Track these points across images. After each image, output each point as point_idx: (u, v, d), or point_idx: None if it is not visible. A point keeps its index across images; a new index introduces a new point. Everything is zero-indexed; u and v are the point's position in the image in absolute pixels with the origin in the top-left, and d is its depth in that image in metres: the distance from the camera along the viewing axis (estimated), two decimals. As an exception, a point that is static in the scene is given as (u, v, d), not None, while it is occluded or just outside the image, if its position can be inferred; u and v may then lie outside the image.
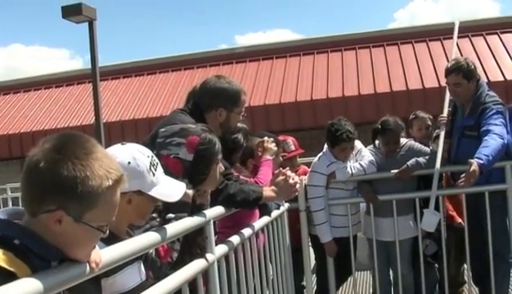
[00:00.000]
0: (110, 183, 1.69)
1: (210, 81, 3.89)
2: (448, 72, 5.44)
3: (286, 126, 15.42)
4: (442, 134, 5.51)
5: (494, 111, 5.20)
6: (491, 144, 4.92)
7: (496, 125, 5.09)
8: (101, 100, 15.39)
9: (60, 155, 1.61)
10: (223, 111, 3.81)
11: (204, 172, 2.99)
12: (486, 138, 4.99)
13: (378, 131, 5.58)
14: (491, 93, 5.43)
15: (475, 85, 5.40)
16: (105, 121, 16.14)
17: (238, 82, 4.07)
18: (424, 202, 5.41)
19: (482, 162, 4.76)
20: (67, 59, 71.99)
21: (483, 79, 5.55)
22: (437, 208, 5.37)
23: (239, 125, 4.43)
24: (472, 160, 4.75)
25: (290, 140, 5.86)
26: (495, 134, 5.00)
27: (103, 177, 1.67)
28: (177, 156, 2.91)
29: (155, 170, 2.41)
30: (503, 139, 5.01)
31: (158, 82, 19.80)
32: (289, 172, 3.84)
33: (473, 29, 16.82)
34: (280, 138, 5.80)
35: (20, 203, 1.74)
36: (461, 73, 5.33)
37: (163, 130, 3.09)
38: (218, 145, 3.07)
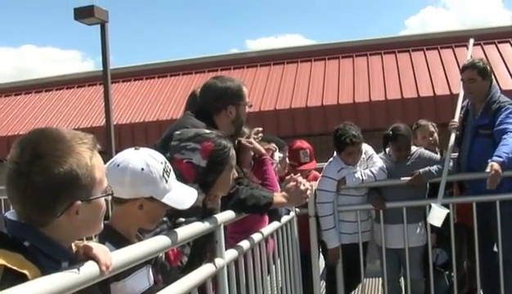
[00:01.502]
0: (94, 150, 1.74)
1: (211, 84, 3.92)
2: (464, 68, 5.55)
3: (296, 131, 15.37)
4: (453, 137, 5.53)
5: (510, 110, 5.24)
6: (509, 142, 4.94)
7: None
8: (112, 102, 15.42)
9: (45, 159, 1.61)
10: (232, 108, 3.84)
11: (216, 178, 2.99)
12: (504, 136, 5.01)
13: (389, 137, 5.57)
14: (503, 96, 5.49)
15: (489, 85, 5.45)
16: (115, 123, 16.16)
17: (249, 86, 4.09)
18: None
19: (502, 159, 4.78)
20: (79, 61, 72.29)
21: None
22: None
23: (245, 130, 4.44)
24: (491, 162, 4.75)
25: (308, 151, 5.84)
26: None
27: (86, 150, 1.70)
28: (190, 161, 2.91)
29: (168, 176, 2.41)
30: None
31: (169, 85, 19.80)
32: (300, 178, 3.83)
33: (485, 37, 16.73)
34: (298, 144, 5.79)
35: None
36: (476, 69, 5.42)
37: (178, 132, 3.08)
38: (232, 151, 3.08)
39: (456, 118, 5.67)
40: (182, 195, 2.47)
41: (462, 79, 5.59)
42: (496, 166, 4.71)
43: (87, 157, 1.69)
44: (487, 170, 4.71)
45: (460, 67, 5.72)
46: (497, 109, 5.29)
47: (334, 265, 5.60)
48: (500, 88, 5.75)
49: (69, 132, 1.73)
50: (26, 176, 1.60)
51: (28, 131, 1.73)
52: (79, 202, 1.67)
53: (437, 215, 5.15)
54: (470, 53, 6.50)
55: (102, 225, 1.84)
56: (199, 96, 3.96)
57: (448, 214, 5.25)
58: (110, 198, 1.86)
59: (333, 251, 5.52)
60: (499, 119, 5.21)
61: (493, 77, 5.60)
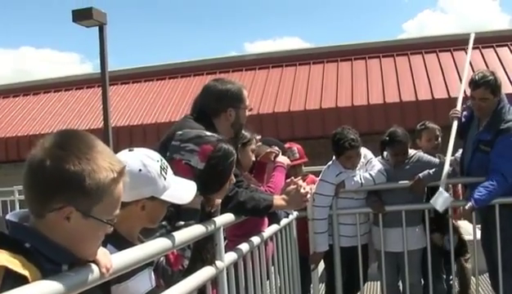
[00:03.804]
0: (115, 175, 1.70)
1: (211, 85, 3.89)
2: (477, 85, 5.21)
3: (295, 134, 15.40)
4: (455, 126, 5.47)
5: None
6: (492, 189, 5.08)
7: (508, 161, 5.09)
8: (110, 104, 15.41)
9: (64, 151, 1.61)
10: (232, 110, 3.80)
11: (216, 183, 2.95)
12: (491, 179, 5.12)
13: (386, 143, 5.55)
14: (510, 111, 5.28)
15: (498, 99, 5.25)
16: (113, 125, 16.17)
17: (247, 89, 4.08)
18: (433, 215, 5.42)
19: (475, 205, 5.08)
20: (77, 63, 72.49)
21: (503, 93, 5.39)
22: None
23: (247, 135, 4.42)
24: (469, 203, 5.06)
25: (295, 148, 5.81)
26: (502, 175, 5.10)
27: (108, 169, 1.67)
28: (188, 163, 2.88)
29: (166, 173, 2.40)
30: (507, 181, 5.10)
31: (167, 87, 19.83)
32: (300, 182, 3.83)
33: (483, 41, 16.77)
34: (287, 145, 5.77)
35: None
36: (490, 88, 5.17)
37: (179, 133, 3.05)
38: (233, 158, 3.01)
39: (458, 107, 5.59)
40: (182, 190, 2.47)
41: (472, 96, 5.32)
42: (469, 207, 5.09)
43: (105, 174, 1.66)
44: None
45: (471, 79, 5.34)
46: (500, 131, 5.14)
47: (313, 269, 5.60)
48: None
49: (104, 146, 1.73)
50: (42, 159, 1.60)
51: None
52: (72, 209, 1.63)
53: (441, 200, 5.11)
54: (471, 48, 6.39)
55: (97, 251, 1.77)
56: (199, 98, 3.94)
57: (447, 216, 5.33)
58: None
59: (318, 254, 5.53)
60: (499, 146, 5.14)
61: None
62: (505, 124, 5.15)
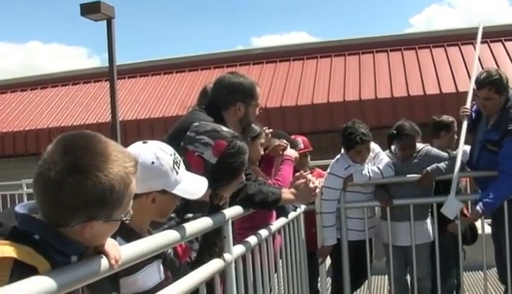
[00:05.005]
0: (131, 178, 1.72)
1: (225, 77, 3.88)
2: (481, 85, 5.21)
3: (302, 128, 15.33)
4: (465, 125, 5.43)
5: None
6: (501, 191, 5.11)
7: None
8: (118, 98, 15.37)
9: (82, 174, 1.58)
10: (242, 105, 3.79)
11: (225, 179, 2.94)
12: (500, 179, 5.11)
13: (393, 136, 5.53)
14: None
15: (505, 97, 5.23)
16: (121, 119, 16.14)
17: (255, 82, 4.05)
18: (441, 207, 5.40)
19: (484, 209, 5.09)
20: (84, 57, 72.58)
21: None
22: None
23: (257, 128, 4.41)
24: (477, 208, 5.04)
25: (300, 139, 5.81)
26: (511, 177, 5.05)
27: (125, 177, 1.68)
28: (201, 155, 2.87)
29: (178, 168, 2.40)
30: None
31: (174, 81, 19.80)
32: (309, 176, 3.81)
33: (491, 35, 16.66)
34: (291, 137, 5.78)
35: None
36: (494, 87, 5.14)
37: (196, 124, 3.04)
38: (246, 156, 3.01)
39: (468, 105, 5.54)
40: (193, 185, 2.47)
41: (477, 95, 5.32)
42: (477, 213, 5.15)
43: (123, 183, 1.67)
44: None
45: (476, 79, 5.34)
46: (508, 132, 5.10)
47: (320, 263, 5.61)
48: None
49: (116, 150, 1.70)
50: (59, 182, 1.57)
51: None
52: (96, 221, 1.65)
53: (451, 206, 5.11)
54: (480, 39, 6.33)
55: (100, 242, 1.79)
56: (212, 90, 3.93)
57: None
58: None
59: (326, 248, 5.54)
60: (506, 148, 5.10)
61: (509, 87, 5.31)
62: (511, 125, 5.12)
